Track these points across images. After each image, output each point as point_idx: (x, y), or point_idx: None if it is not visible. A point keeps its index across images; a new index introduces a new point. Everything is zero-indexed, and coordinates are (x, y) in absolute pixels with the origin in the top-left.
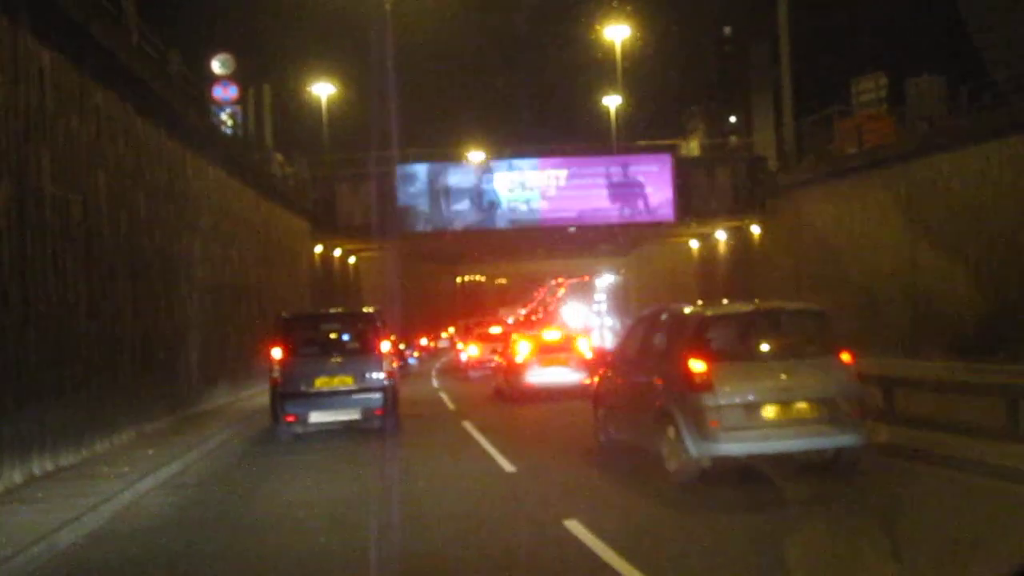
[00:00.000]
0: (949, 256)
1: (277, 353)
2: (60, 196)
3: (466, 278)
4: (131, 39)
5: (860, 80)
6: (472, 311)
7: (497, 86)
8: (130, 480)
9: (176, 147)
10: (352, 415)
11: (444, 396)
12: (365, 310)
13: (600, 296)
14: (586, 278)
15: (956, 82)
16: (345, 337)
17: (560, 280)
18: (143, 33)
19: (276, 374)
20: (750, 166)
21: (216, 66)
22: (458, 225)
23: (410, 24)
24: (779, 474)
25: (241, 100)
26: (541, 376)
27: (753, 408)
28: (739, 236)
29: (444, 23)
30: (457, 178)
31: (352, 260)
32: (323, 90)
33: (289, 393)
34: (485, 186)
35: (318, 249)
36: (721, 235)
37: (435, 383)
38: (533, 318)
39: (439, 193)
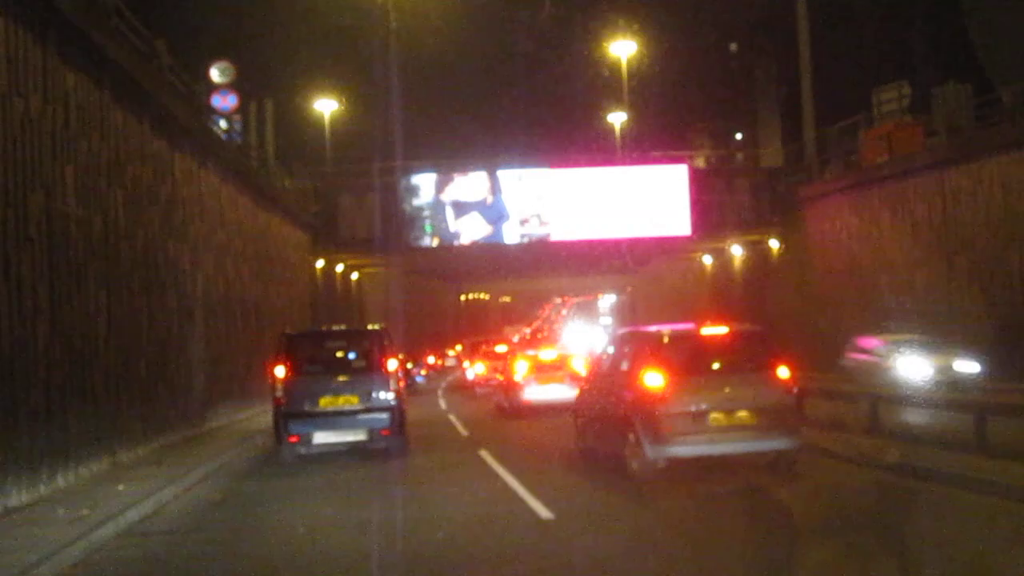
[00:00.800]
0: (990, 268)
1: (280, 371)
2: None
3: (470, 296)
4: (108, 20)
5: (882, 90)
6: (477, 329)
7: (502, 103)
8: (85, 527)
9: (162, 146)
10: (358, 436)
11: (454, 419)
12: (371, 327)
13: (605, 316)
14: (590, 297)
15: (983, 90)
16: (351, 355)
17: (564, 299)
18: (121, 12)
19: (279, 393)
20: (770, 177)
21: (215, 74)
22: (465, 239)
23: (414, 41)
24: (726, 472)
25: (241, 110)
26: (538, 393)
27: (701, 416)
28: (756, 251)
29: (448, 42)
30: (464, 189)
31: (355, 276)
32: (326, 106)
33: (293, 413)
34: (494, 198)
35: (319, 264)
36: (737, 250)
37: (443, 404)
38: (539, 336)
39: (445, 205)
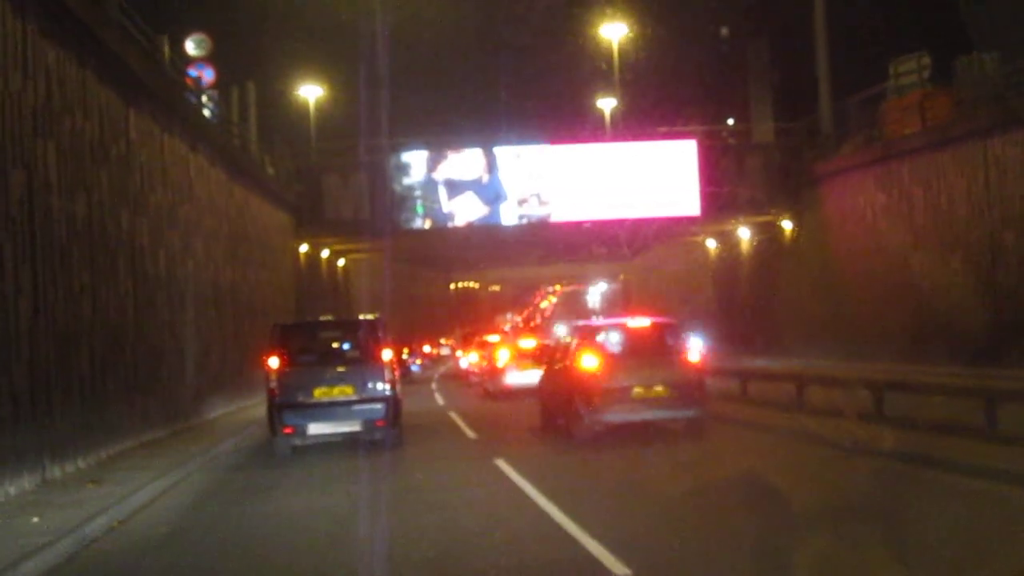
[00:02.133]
0: None
1: (274, 362)
2: None
3: (460, 285)
4: None
5: (900, 61)
6: (467, 318)
7: (491, 84)
8: None
9: (112, 99)
10: (353, 427)
11: (455, 417)
12: (365, 318)
13: (596, 305)
14: (580, 287)
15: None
16: (345, 346)
17: (555, 288)
18: None
19: (273, 384)
20: (784, 154)
21: (190, 47)
22: (459, 220)
23: (403, 25)
24: (646, 434)
25: (222, 94)
26: (518, 378)
27: (626, 391)
28: (766, 233)
29: (438, 25)
30: (458, 168)
31: (341, 262)
32: (311, 92)
33: (287, 404)
34: (490, 176)
35: (303, 248)
36: (744, 233)
37: (436, 391)
38: (531, 324)
39: (438, 184)
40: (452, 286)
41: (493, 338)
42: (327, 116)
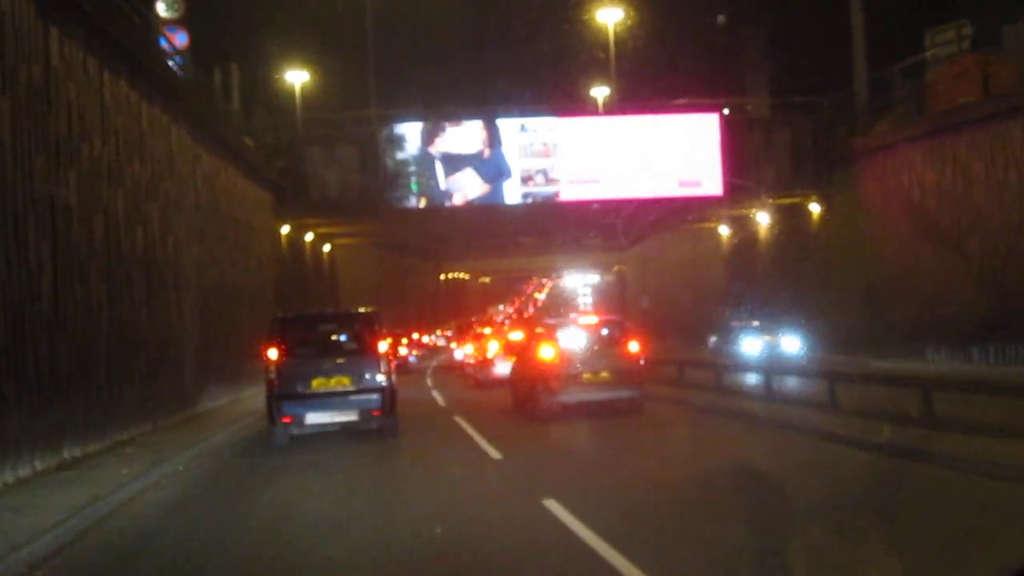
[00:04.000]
0: None
1: (273, 354)
2: None
3: (450, 275)
4: None
5: (937, 31)
6: (457, 309)
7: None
8: None
9: (34, 20)
10: (349, 416)
11: (462, 423)
12: (362, 310)
13: (588, 297)
14: (557, 279)
15: None
16: (342, 338)
17: (546, 280)
18: None
19: (272, 375)
20: (818, 126)
21: (161, 8)
22: (458, 199)
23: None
24: (595, 410)
25: (192, 50)
26: (505, 369)
27: (577, 376)
28: (792, 217)
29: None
30: (457, 141)
31: (327, 248)
32: (297, 76)
33: (285, 394)
34: (491, 151)
35: (285, 230)
36: (764, 217)
37: (430, 382)
38: (523, 315)
39: (434, 159)
40: (442, 277)
41: (488, 330)
42: (314, 100)
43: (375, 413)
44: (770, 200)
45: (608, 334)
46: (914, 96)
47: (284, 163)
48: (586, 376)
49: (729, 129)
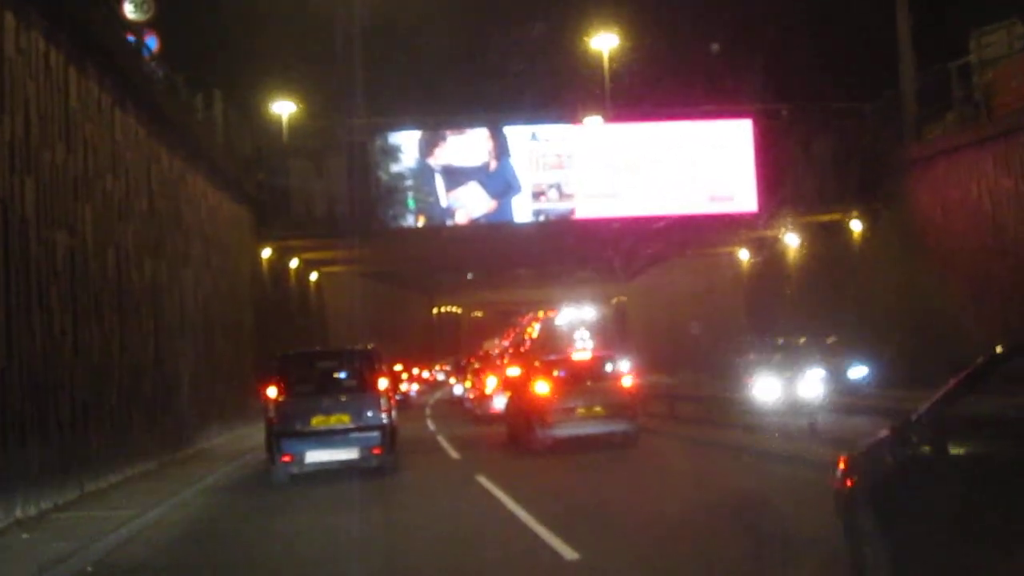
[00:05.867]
0: None
1: (272, 392)
2: None
3: (443, 309)
4: None
5: (983, 32)
6: (454, 344)
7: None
8: None
9: None
10: (350, 454)
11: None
12: (363, 347)
13: (582, 333)
14: (555, 312)
15: None
16: (342, 375)
17: (540, 314)
18: None
19: (272, 413)
20: (862, 133)
21: (129, 10)
22: (461, 217)
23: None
24: (590, 444)
25: (163, 55)
26: (503, 404)
27: (571, 410)
28: (828, 235)
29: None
30: (459, 152)
31: (314, 277)
32: (284, 108)
33: (285, 432)
34: (498, 163)
35: (266, 254)
36: (792, 239)
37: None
38: (520, 348)
39: (434, 173)
40: (435, 311)
41: (486, 366)
42: (297, 114)
43: (375, 451)
44: (806, 218)
45: (602, 368)
46: (970, 98)
47: (265, 176)
48: (580, 411)
49: (763, 137)
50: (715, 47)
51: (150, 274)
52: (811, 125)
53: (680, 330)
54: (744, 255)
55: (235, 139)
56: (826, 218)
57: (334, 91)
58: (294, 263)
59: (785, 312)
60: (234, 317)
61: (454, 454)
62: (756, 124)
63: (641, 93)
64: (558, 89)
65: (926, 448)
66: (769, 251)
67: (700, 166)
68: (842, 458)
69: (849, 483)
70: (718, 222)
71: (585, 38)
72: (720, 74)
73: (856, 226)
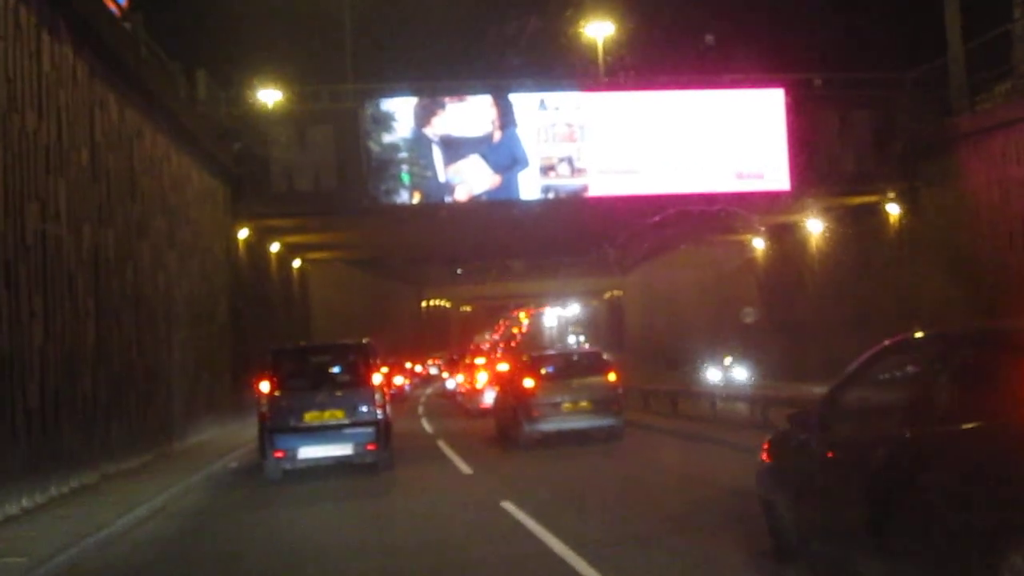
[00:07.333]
0: None
1: (265, 386)
2: None
3: (431, 302)
4: None
5: None
6: (444, 338)
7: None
8: None
9: None
10: (344, 450)
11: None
12: (357, 342)
13: (577, 327)
14: (543, 309)
15: None
16: (336, 370)
17: (529, 310)
18: None
19: (264, 408)
20: (903, 105)
21: None
22: (461, 194)
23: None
24: (575, 439)
25: (133, 13)
26: (494, 399)
27: (557, 404)
28: (858, 221)
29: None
30: (460, 121)
31: (296, 264)
32: (270, 96)
33: (278, 428)
34: (503, 133)
35: (243, 235)
36: (816, 225)
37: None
38: (511, 342)
39: (432, 144)
40: (424, 304)
41: (479, 360)
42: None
43: (370, 447)
44: (840, 199)
45: (588, 364)
46: (1004, 74)
47: (242, 146)
48: (565, 406)
49: (795, 108)
50: (709, 38)
51: (89, 244)
52: (847, 96)
53: (683, 327)
54: (758, 243)
55: (208, 103)
56: (859, 200)
57: (320, 51)
58: (275, 247)
59: (804, 306)
60: (204, 301)
61: (434, 436)
62: (788, 94)
63: (663, 58)
64: (569, 53)
65: (815, 432)
66: (791, 238)
67: (727, 140)
68: (765, 442)
69: (766, 459)
70: (744, 202)
71: None
72: (752, 40)
73: (893, 209)
